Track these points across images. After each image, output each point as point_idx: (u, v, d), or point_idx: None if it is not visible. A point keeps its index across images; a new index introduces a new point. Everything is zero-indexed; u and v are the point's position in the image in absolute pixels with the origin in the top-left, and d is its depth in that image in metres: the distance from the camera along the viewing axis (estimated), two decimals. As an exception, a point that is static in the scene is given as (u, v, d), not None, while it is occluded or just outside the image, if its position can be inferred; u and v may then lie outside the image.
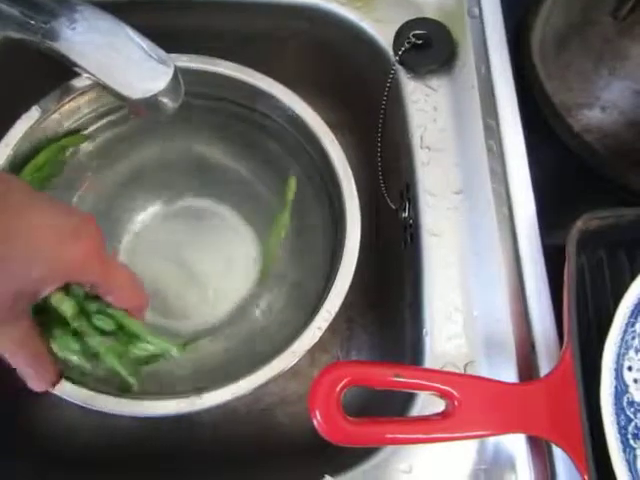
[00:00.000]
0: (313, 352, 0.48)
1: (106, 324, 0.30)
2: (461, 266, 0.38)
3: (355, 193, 0.40)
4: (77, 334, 0.30)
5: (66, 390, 0.32)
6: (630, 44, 0.31)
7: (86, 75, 0.34)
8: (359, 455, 0.34)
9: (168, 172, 0.48)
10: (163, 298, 0.47)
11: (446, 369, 0.35)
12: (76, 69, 0.36)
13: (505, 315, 0.36)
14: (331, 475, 0.33)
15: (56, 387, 0.31)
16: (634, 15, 0.30)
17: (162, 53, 0.33)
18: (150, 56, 0.32)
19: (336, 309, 0.36)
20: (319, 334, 0.35)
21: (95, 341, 0.30)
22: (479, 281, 0.38)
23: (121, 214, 0.48)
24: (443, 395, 0.28)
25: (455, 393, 0.27)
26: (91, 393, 0.32)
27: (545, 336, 0.35)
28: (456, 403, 0.27)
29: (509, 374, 0.35)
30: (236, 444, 0.46)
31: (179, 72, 0.34)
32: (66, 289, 0.28)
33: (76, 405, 0.32)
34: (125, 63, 0.31)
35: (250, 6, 0.46)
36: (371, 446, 0.32)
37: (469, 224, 0.40)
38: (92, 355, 0.31)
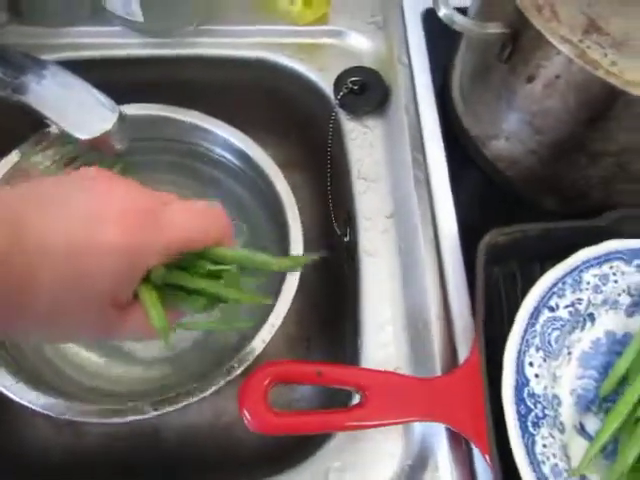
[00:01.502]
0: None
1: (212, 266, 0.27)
2: (392, 282, 0.42)
3: (299, 224, 0.44)
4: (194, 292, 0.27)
5: (39, 402, 0.36)
6: (515, 82, 0.36)
7: (48, 121, 0.39)
8: (302, 456, 0.37)
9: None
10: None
11: (377, 374, 0.39)
12: (44, 118, 0.41)
13: (430, 325, 0.39)
14: (277, 475, 0.36)
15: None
16: (515, 57, 0.35)
17: (110, 102, 0.39)
18: (100, 104, 0.38)
19: (279, 323, 0.40)
20: (262, 345, 0.39)
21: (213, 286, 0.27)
22: (408, 294, 0.42)
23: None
24: (357, 388, 0.31)
25: (368, 386, 0.31)
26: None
27: (466, 343, 0.38)
28: (368, 395, 0.31)
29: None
30: (198, 460, 0.48)
31: (126, 117, 0.40)
32: None
33: (48, 423, 0.35)
34: (78, 110, 0.37)
35: (207, 60, 0.52)
36: (295, 434, 0.34)
37: (400, 245, 0.44)
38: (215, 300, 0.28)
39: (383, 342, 0.40)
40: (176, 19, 0.49)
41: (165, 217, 0.25)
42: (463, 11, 0.43)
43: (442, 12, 0.34)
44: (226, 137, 0.48)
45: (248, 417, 0.30)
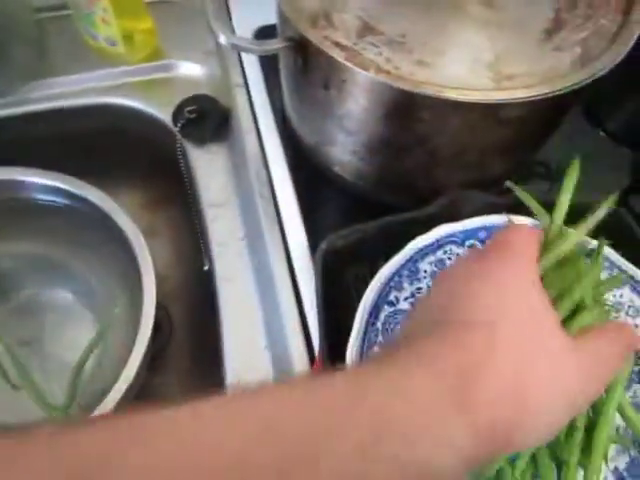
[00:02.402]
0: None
1: None
2: (250, 304, 0.42)
3: (150, 267, 0.43)
4: None
5: None
6: (316, 90, 0.36)
7: None
8: None
9: None
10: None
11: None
12: None
13: (290, 344, 0.39)
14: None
15: None
16: (308, 68, 0.36)
17: None
18: None
19: (130, 382, 0.38)
20: (118, 397, 0.38)
21: None
22: (266, 315, 0.42)
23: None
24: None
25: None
26: None
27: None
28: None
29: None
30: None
31: None
32: None
33: None
34: None
35: (41, 115, 0.51)
36: None
37: (254, 266, 0.44)
38: None
39: (246, 366, 0.40)
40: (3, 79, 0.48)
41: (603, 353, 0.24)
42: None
43: (221, 39, 0.34)
44: (63, 187, 0.47)
45: None
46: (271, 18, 0.53)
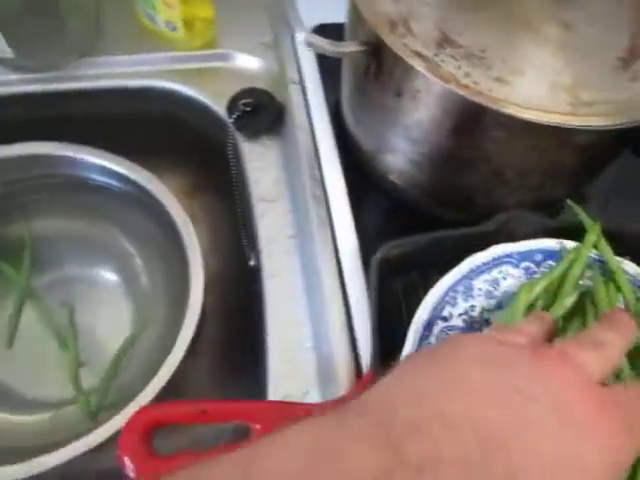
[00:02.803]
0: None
1: None
2: (296, 303, 0.42)
3: (198, 253, 0.44)
4: None
5: None
6: (386, 97, 0.36)
7: None
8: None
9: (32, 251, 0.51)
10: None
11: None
12: None
13: (336, 345, 0.39)
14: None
15: None
16: (380, 73, 0.35)
17: None
18: None
19: (172, 372, 0.39)
20: (159, 386, 0.38)
21: None
22: (312, 316, 0.42)
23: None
24: (247, 421, 0.31)
25: (256, 419, 0.30)
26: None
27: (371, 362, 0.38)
28: (258, 427, 0.30)
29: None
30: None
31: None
32: None
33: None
34: None
35: (94, 93, 0.51)
36: None
37: (302, 265, 0.44)
38: None
39: (291, 366, 0.40)
40: (54, 53, 0.48)
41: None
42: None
43: (299, 38, 0.34)
44: (114, 168, 0.47)
45: (130, 466, 0.29)
46: (327, 17, 0.53)
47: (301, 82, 0.50)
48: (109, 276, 0.52)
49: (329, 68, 0.51)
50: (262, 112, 0.49)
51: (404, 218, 0.45)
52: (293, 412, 0.31)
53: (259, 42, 0.53)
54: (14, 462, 0.34)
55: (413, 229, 0.45)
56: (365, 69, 0.36)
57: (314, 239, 0.43)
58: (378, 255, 0.38)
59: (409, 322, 0.39)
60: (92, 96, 0.51)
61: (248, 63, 0.52)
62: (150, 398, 0.37)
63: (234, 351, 0.50)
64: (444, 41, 0.34)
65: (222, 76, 0.52)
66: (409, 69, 0.33)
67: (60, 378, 0.47)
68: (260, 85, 0.51)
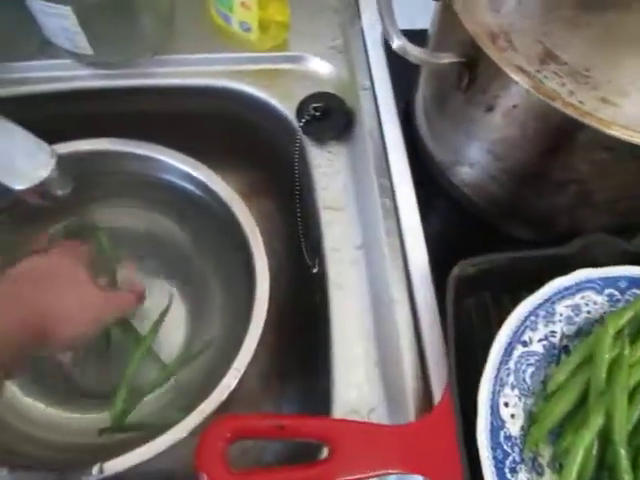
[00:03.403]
0: (247, 409, 0.49)
1: None
2: (363, 316, 0.41)
3: (263, 253, 0.43)
4: None
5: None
6: (474, 111, 0.35)
7: None
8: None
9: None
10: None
11: (350, 417, 0.37)
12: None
13: (403, 361, 0.38)
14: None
15: None
16: (472, 86, 0.34)
17: (45, 145, 0.36)
18: (33, 148, 0.35)
19: (243, 368, 0.38)
20: (227, 392, 0.37)
21: None
22: (379, 330, 0.41)
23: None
24: (324, 440, 0.30)
25: (334, 438, 0.29)
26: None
27: (440, 379, 0.37)
28: (335, 448, 0.29)
29: (408, 417, 0.36)
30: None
31: (65, 161, 0.37)
32: None
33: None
34: (10, 158, 0.35)
35: (164, 90, 0.51)
36: None
37: (369, 277, 0.43)
38: None
39: (356, 380, 0.39)
40: (129, 50, 0.48)
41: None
42: (422, 33, 0.43)
43: (395, 44, 0.33)
44: (183, 168, 0.47)
45: (204, 477, 0.28)
46: (404, 23, 0.52)
47: (372, 88, 0.49)
48: (167, 275, 0.52)
49: (400, 74, 0.50)
50: (332, 117, 0.48)
51: (474, 233, 0.44)
52: (374, 434, 0.30)
53: (329, 46, 0.52)
54: (81, 460, 0.34)
55: (483, 245, 0.43)
56: (456, 81, 0.35)
57: (382, 251, 0.42)
58: (455, 272, 0.37)
59: (482, 343, 0.39)
60: (162, 94, 0.51)
61: (318, 67, 0.51)
62: (214, 406, 0.37)
63: (296, 362, 0.49)
64: (547, 56, 0.32)
65: (292, 79, 0.51)
66: (508, 84, 0.32)
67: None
68: (329, 90, 0.50)
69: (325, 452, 0.35)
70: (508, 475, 0.31)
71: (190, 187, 0.47)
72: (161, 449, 0.35)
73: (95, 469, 0.34)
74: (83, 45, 0.43)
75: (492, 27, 0.33)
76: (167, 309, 0.49)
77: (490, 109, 0.34)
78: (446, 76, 0.37)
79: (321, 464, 0.29)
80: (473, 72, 0.34)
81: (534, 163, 0.35)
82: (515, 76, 0.31)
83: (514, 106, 0.33)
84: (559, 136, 0.32)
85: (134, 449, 0.34)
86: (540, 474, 0.33)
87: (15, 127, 0.35)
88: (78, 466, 0.34)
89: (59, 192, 0.36)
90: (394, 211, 0.43)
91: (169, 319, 0.50)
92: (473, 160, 0.39)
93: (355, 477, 0.29)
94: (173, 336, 0.49)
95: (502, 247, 0.43)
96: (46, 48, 0.48)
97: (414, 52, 0.33)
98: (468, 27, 0.32)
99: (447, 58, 0.33)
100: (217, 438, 0.29)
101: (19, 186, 0.34)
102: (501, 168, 0.38)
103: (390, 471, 0.30)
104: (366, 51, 0.51)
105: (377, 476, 0.32)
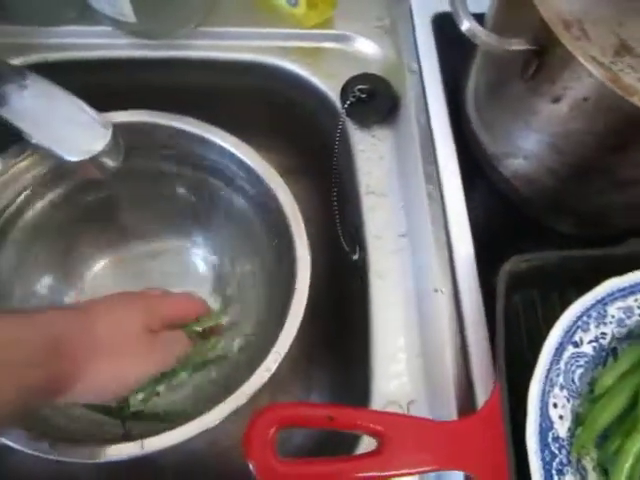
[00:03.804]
0: (274, 393, 0.49)
1: None
2: (404, 306, 0.40)
3: (305, 237, 0.42)
4: None
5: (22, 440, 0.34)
6: (538, 101, 0.34)
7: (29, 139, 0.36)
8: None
9: (124, 220, 0.50)
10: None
11: (389, 408, 0.37)
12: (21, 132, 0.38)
13: (446, 354, 0.38)
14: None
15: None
16: (539, 75, 0.33)
17: (101, 117, 0.35)
18: (90, 120, 0.34)
19: (284, 352, 0.38)
20: (267, 375, 0.37)
21: None
22: (421, 321, 0.40)
23: (77, 264, 0.50)
24: (374, 434, 0.29)
25: (384, 432, 0.29)
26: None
27: (483, 374, 0.37)
28: (386, 442, 0.29)
29: (450, 411, 0.36)
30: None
31: (119, 133, 0.36)
32: None
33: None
34: (66, 128, 0.34)
35: (204, 63, 0.49)
36: None
37: (412, 266, 0.42)
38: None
39: (396, 372, 0.38)
40: (172, 20, 0.46)
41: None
42: (478, 17, 0.41)
43: (464, 26, 0.31)
44: (223, 145, 0.45)
45: (255, 469, 0.28)
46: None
47: (419, 72, 0.47)
48: (201, 256, 0.52)
49: (449, 58, 0.48)
50: (377, 100, 0.47)
51: (522, 226, 0.43)
52: (424, 430, 0.30)
53: (376, 26, 0.50)
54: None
55: (529, 239, 0.43)
56: (520, 69, 0.34)
57: (427, 240, 0.41)
58: (507, 267, 0.36)
59: (529, 340, 0.38)
60: (201, 67, 0.49)
61: (364, 47, 0.50)
62: (254, 389, 0.36)
63: (329, 350, 0.49)
64: (622, 48, 0.31)
65: (336, 58, 0.49)
66: (581, 75, 0.30)
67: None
68: (374, 71, 0.48)
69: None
70: (555, 477, 0.30)
71: (229, 165, 0.46)
72: (200, 430, 0.35)
73: (136, 445, 0.33)
74: (127, 12, 0.41)
75: (565, 15, 0.32)
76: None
77: (557, 100, 0.33)
78: (509, 63, 0.35)
79: (370, 458, 0.29)
80: (541, 60, 0.32)
81: (599, 159, 0.34)
82: (591, 67, 0.29)
83: (585, 98, 0.31)
84: (632, 133, 0.31)
85: (175, 428, 0.34)
86: (584, 477, 0.33)
87: (71, 97, 0.34)
88: (118, 441, 0.34)
89: (112, 164, 0.35)
90: (440, 199, 0.42)
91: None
92: (529, 152, 0.38)
93: (404, 471, 0.29)
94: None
95: (545, 239, 0.43)
96: (87, 14, 0.46)
97: (483, 36, 0.31)
98: (543, 13, 0.30)
99: (517, 45, 0.32)
100: (266, 425, 0.28)
101: (75, 158, 0.33)
102: (560, 162, 0.36)
103: (439, 468, 0.30)
104: (414, 32, 0.49)
105: (425, 472, 0.32)
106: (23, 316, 0.30)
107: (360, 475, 0.28)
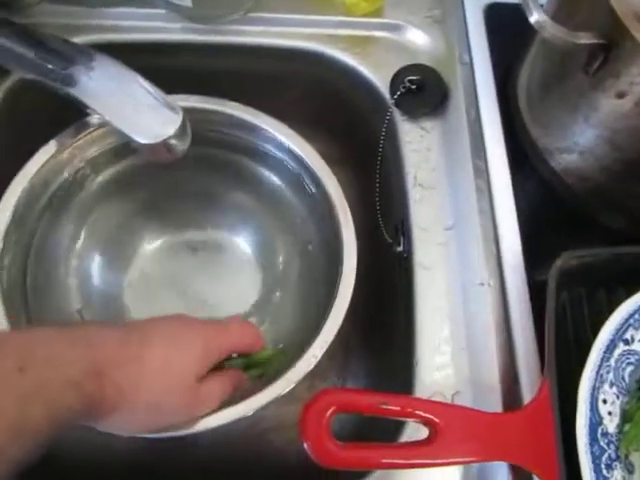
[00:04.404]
0: (311, 378, 0.50)
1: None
2: (450, 299, 0.40)
3: (351, 225, 0.42)
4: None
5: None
6: (601, 96, 0.33)
7: (100, 119, 0.36)
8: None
9: (174, 204, 0.51)
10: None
11: (434, 398, 0.37)
12: (91, 112, 0.38)
13: (491, 347, 0.38)
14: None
15: None
16: (604, 70, 0.33)
17: (171, 100, 0.36)
18: (160, 103, 0.34)
19: (331, 338, 0.38)
20: (314, 362, 0.37)
21: None
22: (467, 314, 0.40)
23: (128, 245, 0.51)
24: (426, 423, 0.30)
25: (437, 421, 0.29)
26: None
27: (529, 368, 0.37)
28: (438, 431, 0.29)
29: (494, 404, 0.36)
30: (233, 466, 0.47)
31: (187, 116, 0.37)
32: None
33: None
34: (136, 110, 0.34)
35: (253, 49, 0.49)
36: (358, 469, 0.33)
37: (458, 259, 0.42)
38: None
39: (440, 363, 0.38)
40: (225, 5, 0.46)
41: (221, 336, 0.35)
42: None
43: (534, 18, 0.31)
44: (271, 132, 0.45)
45: (311, 450, 0.28)
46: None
47: (470, 63, 0.47)
48: (242, 245, 0.52)
49: (501, 49, 0.47)
50: (426, 91, 0.46)
51: (570, 222, 0.42)
52: (477, 420, 0.30)
53: (426, 15, 0.50)
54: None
55: (578, 236, 0.42)
56: (584, 63, 0.33)
57: (475, 234, 0.41)
58: (558, 263, 0.36)
59: (576, 338, 0.38)
60: (250, 53, 0.49)
61: (414, 37, 0.49)
62: (301, 375, 0.37)
63: (372, 339, 0.49)
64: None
65: (385, 48, 0.49)
66: (651, 71, 0.30)
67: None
68: (424, 62, 0.48)
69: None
70: (605, 472, 0.31)
71: (276, 152, 0.46)
72: (248, 413, 0.35)
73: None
74: (185, -4, 0.41)
75: (637, 7, 0.31)
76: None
77: (621, 96, 0.32)
78: (571, 57, 0.35)
79: (423, 446, 0.29)
80: (609, 55, 0.32)
81: (660, 157, 0.33)
82: (664, 63, 0.29)
83: (653, 95, 0.31)
84: (700, 131, 0.30)
85: (222, 409, 0.35)
86: (631, 472, 0.33)
87: (140, 79, 0.34)
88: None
89: (180, 148, 0.36)
90: (487, 193, 0.42)
91: (244, 286, 0.50)
92: (584, 148, 0.37)
93: (454, 460, 0.30)
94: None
95: (594, 236, 0.42)
96: (140, -4, 0.47)
97: (553, 30, 0.31)
98: (615, 6, 0.30)
99: (585, 38, 0.31)
100: (323, 408, 0.29)
101: (147, 140, 0.34)
102: (617, 158, 0.36)
103: (490, 458, 0.30)
104: (465, 23, 0.49)
105: (473, 462, 0.32)
106: (65, 331, 0.29)
107: (413, 462, 0.29)
